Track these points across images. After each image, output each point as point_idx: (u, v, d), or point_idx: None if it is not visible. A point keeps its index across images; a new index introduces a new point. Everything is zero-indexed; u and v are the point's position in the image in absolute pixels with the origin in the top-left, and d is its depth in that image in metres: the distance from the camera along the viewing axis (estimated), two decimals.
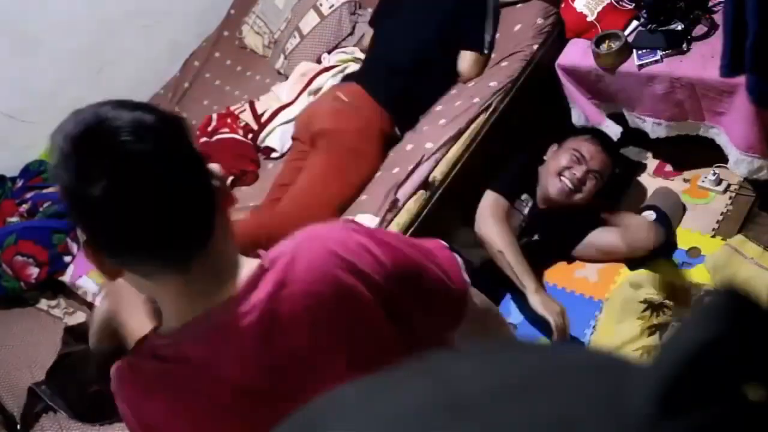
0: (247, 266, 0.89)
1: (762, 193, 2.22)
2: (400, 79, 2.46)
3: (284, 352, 0.87)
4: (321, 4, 3.15)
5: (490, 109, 2.36)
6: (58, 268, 2.59)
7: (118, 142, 0.78)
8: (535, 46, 2.46)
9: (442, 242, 1.07)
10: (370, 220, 2.11)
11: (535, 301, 2.00)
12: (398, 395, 0.34)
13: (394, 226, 2.10)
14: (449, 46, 2.50)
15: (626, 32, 2.23)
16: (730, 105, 1.99)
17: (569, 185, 2.13)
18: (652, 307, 2.01)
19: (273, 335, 0.86)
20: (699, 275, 2.08)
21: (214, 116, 3.02)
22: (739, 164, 2.05)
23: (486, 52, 2.50)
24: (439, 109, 2.44)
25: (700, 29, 2.13)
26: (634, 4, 2.27)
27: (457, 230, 2.25)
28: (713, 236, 2.20)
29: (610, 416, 0.28)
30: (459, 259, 1.04)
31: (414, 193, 2.19)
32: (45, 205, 2.85)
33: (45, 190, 2.99)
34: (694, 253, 2.16)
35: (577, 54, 2.29)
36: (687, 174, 2.40)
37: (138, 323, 1.12)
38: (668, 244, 2.16)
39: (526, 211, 2.23)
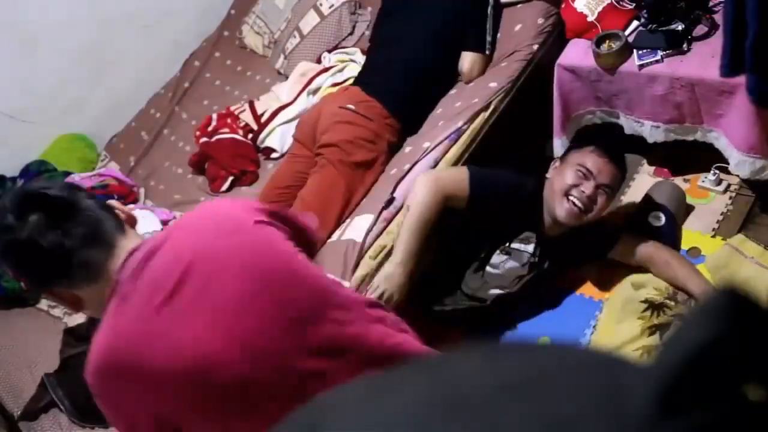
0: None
1: (762, 193, 2.22)
2: (407, 84, 2.45)
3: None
4: (321, 4, 3.15)
5: (490, 109, 2.36)
6: None
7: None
8: (536, 46, 2.46)
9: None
10: (368, 221, 2.11)
11: (387, 270, 1.94)
12: (398, 395, 0.34)
13: (394, 226, 2.10)
14: (451, 47, 2.49)
15: (627, 32, 2.23)
16: (730, 106, 1.99)
17: (579, 205, 1.92)
18: (653, 307, 2.01)
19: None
20: None
21: (214, 116, 3.02)
22: (741, 166, 2.05)
23: (488, 52, 2.50)
24: (440, 111, 2.44)
25: (700, 29, 2.13)
26: (634, 4, 2.27)
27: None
28: (713, 236, 2.20)
29: (610, 416, 0.28)
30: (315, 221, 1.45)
31: None
32: None
33: None
34: (694, 253, 2.16)
35: (577, 54, 2.29)
36: (686, 175, 2.40)
37: None
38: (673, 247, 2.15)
39: (531, 248, 2.04)
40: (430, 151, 2.24)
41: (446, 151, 2.26)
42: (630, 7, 2.28)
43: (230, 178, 2.80)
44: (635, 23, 2.25)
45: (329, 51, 3.06)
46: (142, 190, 3.08)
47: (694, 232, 2.23)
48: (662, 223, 2.16)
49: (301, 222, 1.33)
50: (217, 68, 3.46)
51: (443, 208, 1.94)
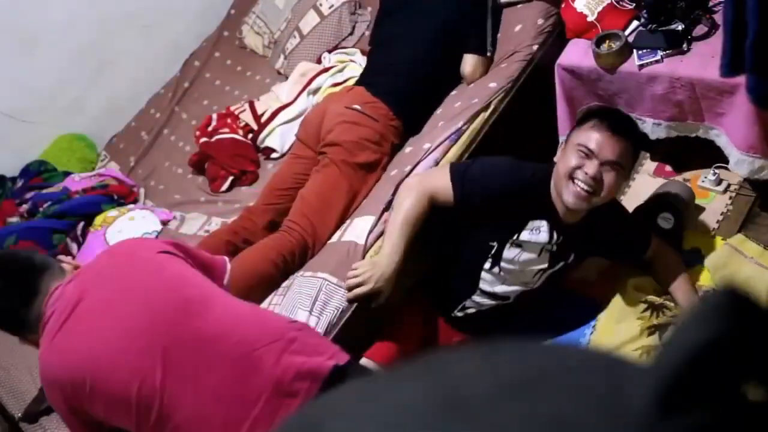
0: None
1: (762, 193, 2.22)
2: (411, 85, 2.44)
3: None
4: (321, 4, 3.15)
5: (490, 110, 2.36)
6: None
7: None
8: (536, 47, 2.46)
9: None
10: (369, 222, 2.11)
11: (374, 258, 1.95)
12: (398, 395, 0.34)
13: None
14: (451, 47, 2.49)
15: (626, 32, 2.23)
16: (730, 105, 1.99)
17: (584, 187, 1.80)
18: (653, 307, 2.01)
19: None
20: (699, 275, 2.08)
21: (214, 116, 3.03)
22: (740, 165, 2.05)
23: (489, 54, 2.49)
24: (440, 112, 2.44)
25: (700, 29, 2.13)
26: (634, 4, 2.27)
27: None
28: (713, 236, 2.20)
29: (610, 416, 0.28)
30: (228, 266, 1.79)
31: None
32: (45, 205, 2.85)
33: (45, 190, 2.99)
34: (694, 253, 2.16)
35: (577, 54, 2.29)
36: (687, 174, 2.40)
37: None
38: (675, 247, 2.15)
39: (543, 237, 1.93)
40: (430, 152, 2.24)
41: (446, 152, 2.26)
42: (630, 7, 2.28)
43: (230, 178, 2.80)
44: (635, 23, 2.25)
45: (329, 51, 3.06)
46: (142, 190, 3.08)
47: (694, 232, 2.23)
48: (671, 226, 2.12)
49: (204, 256, 1.73)
50: (217, 68, 3.47)
51: (430, 207, 1.92)
